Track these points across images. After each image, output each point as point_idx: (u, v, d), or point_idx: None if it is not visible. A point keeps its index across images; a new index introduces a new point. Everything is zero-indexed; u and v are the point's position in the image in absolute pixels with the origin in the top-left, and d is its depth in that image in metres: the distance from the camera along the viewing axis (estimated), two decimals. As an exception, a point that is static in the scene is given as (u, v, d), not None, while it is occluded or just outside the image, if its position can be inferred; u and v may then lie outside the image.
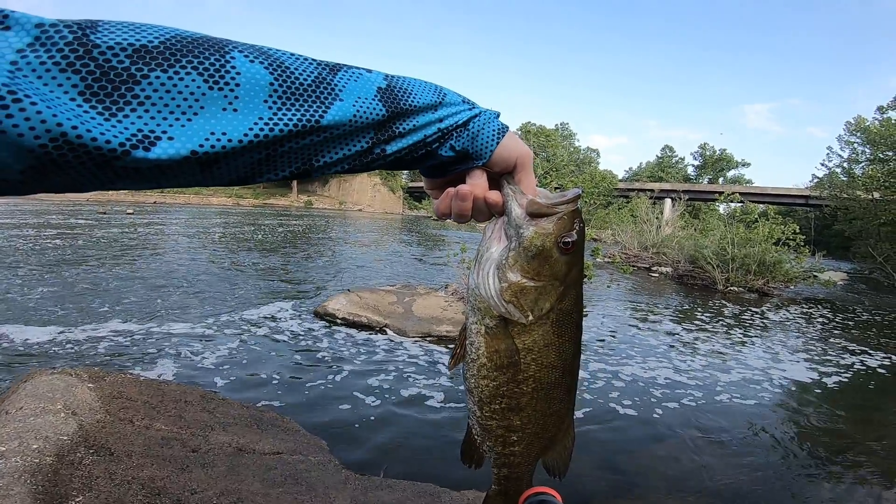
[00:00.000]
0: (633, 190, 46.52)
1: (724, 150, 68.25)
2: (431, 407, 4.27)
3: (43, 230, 14.74)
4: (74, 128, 0.35)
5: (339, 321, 6.61)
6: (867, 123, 24.53)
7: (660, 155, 71.96)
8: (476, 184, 0.58)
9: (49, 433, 1.89)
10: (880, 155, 22.12)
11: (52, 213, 21.63)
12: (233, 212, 33.89)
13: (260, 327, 6.20)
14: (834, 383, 5.95)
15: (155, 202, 38.76)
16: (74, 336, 5.35)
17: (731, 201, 20.80)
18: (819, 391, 5.64)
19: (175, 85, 0.39)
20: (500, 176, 0.60)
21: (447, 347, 5.95)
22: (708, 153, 68.39)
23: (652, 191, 38.84)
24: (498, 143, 0.57)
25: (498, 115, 0.59)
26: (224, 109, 0.41)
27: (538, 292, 0.61)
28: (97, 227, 16.95)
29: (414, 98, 0.52)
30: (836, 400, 5.37)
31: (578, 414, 4.38)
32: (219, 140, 0.41)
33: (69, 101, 0.36)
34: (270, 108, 0.44)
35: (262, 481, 2.53)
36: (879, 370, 6.68)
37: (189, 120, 0.40)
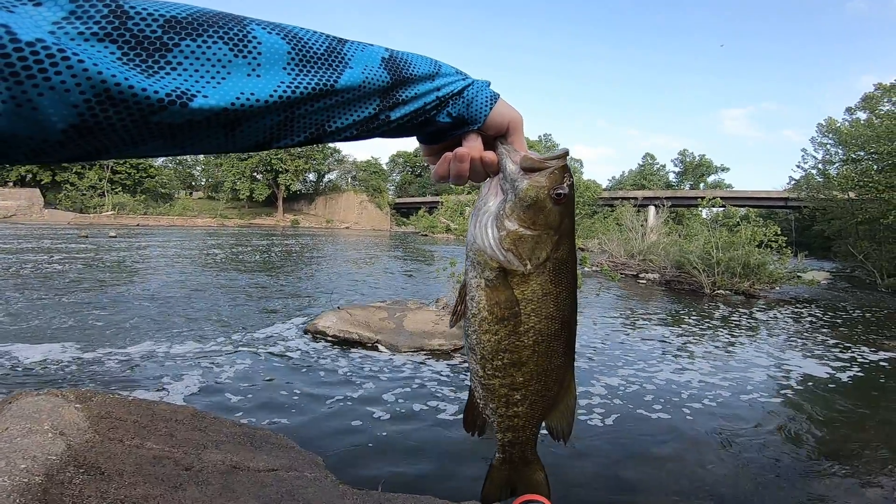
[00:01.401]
0: (616, 198, 47.01)
1: (704, 155, 69.60)
2: (427, 420, 4.23)
3: (23, 255, 14.46)
4: (118, 84, 0.37)
5: (330, 338, 6.54)
6: (838, 125, 25.16)
7: (641, 163, 73.07)
8: (472, 146, 0.62)
9: (37, 453, 1.83)
10: (852, 155, 22.66)
11: (33, 237, 21.23)
12: (218, 232, 33.56)
13: (249, 346, 6.12)
14: (826, 381, 6.02)
15: (138, 224, 38.26)
16: (59, 357, 5.24)
17: (713, 206, 21.18)
18: (811, 389, 5.70)
19: (203, 52, 0.43)
20: (494, 139, 0.64)
21: (440, 361, 5.91)
22: (688, 159, 69.62)
23: (636, 199, 39.26)
24: (491, 108, 0.62)
25: (489, 84, 0.63)
26: (248, 75, 0.45)
27: (535, 241, 0.64)
28: (79, 250, 16.66)
29: (414, 68, 0.56)
30: (829, 398, 5.43)
31: (575, 423, 4.37)
32: (248, 99, 0.44)
33: (112, 63, 0.38)
34: (289, 73, 0.47)
35: (258, 498, 2.48)
36: (870, 367, 6.77)
37: (218, 83, 0.43)
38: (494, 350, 0.69)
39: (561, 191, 0.63)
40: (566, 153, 0.65)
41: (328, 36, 0.52)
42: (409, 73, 0.55)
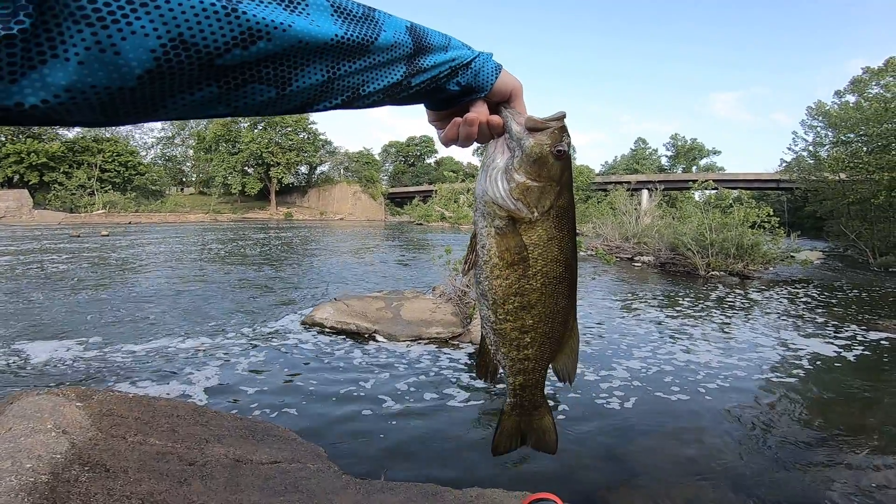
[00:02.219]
0: (610, 183, 47.11)
1: (695, 139, 69.61)
2: (427, 408, 4.26)
3: (15, 256, 14.32)
4: (190, 28, 0.40)
5: (327, 330, 6.55)
6: (827, 108, 25.32)
7: (634, 147, 72.99)
8: (480, 111, 0.70)
9: (41, 452, 1.83)
10: (842, 137, 22.85)
11: (24, 238, 21.04)
12: (212, 227, 33.35)
13: (247, 340, 6.12)
14: (823, 360, 6.10)
15: (130, 222, 37.91)
16: (57, 356, 5.22)
17: (706, 188, 21.23)
18: (809, 368, 5.77)
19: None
20: (497, 104, 0.72)
21: (439, 349, 5.94)
22: (680, 143, 69.62)
23: (629, 183, 39.35)
24: (497, 77, 0.69)
25: (493, 56, 0.70)
26: (304, 18, 0.48)
27: (540, 191, 0.72)
28: (72, 250, 16.53)
29: (431, 39, 0.62)
30: (827, 376, 5.51)
31: (570, 403, 4.42)
32: (313, 35, 0.48)
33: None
34: (335, 24, 0.51)
35: (262, 491, 2.50)
36: (867, 347, 6.86)
37: (284, 31, 0.46)
38: (505, 294, 0.75)
39: (561, 147, 0.71)
40: (564, 115, 0.72)
41: (360, 3, 0.56)
42: (428, 43, 0.61)
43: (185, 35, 0.39)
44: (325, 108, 0.56)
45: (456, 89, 0.66)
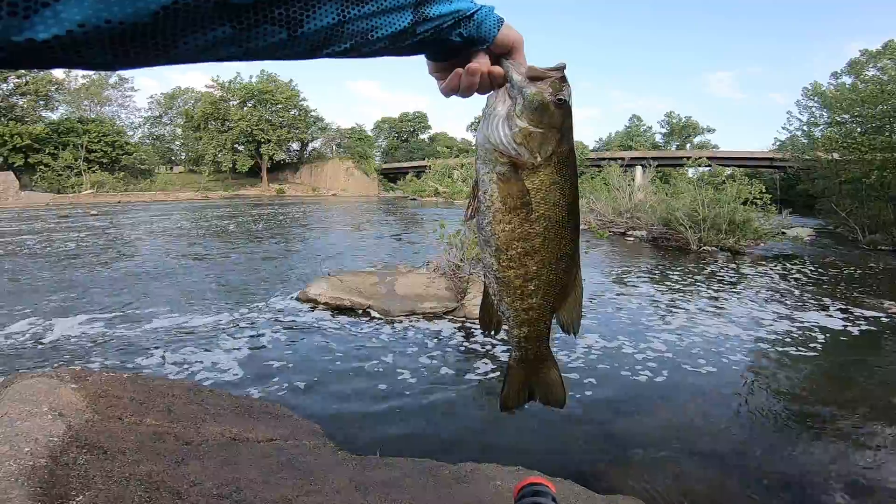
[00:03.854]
0: (604, 159, 46.73)
1: (690, 117, 69.12)
2: (423, 384, 4.31)
3: (3, 237, 14.16)
4: None
5: (321, 306, 6.57)
6: (823, 89, 25.29)
7: (628, 124, 72.37)
8: (482, 62, 0.71)
9: (38, 436, 1.85)
10: (837, 118, 22.84)
11: (11, 219, 20.75)
12: (203, 205, 33.01)
13: (242, 317, 6.13)
14: (811, 336, 6.18)
15: (119, 201, 37.42)
16: (50, 338, 5.22)
17: (700, 165, 21.23)
18: (797, 345, 5.85)
19: None
20: (498, 56, 0.73)
21: (433, 324, 5.99)
22: (674, 121, 69.13)
23: (622, 159, 39.13)
24: (498, 30, 0.70)
25: (494, 9, 0.71)
26: None
27: (542, 137, 0.73)
28: (60, 229, 16.35)
29: None
30: (815, 354, 5.57)
31: (565, 382, 4.48)
32: None
33: None
34: None
35: (260, 468, 2.54)
36: (855, 324, 6.95)
37: None
38: (508, 240, 0.76)
39: (562, 96, 0.72)
40: (564, 66, 0.74)
41: None
42: None
43: None
44: (334, 55, 0.57)
45: (458, 40, 0.68)
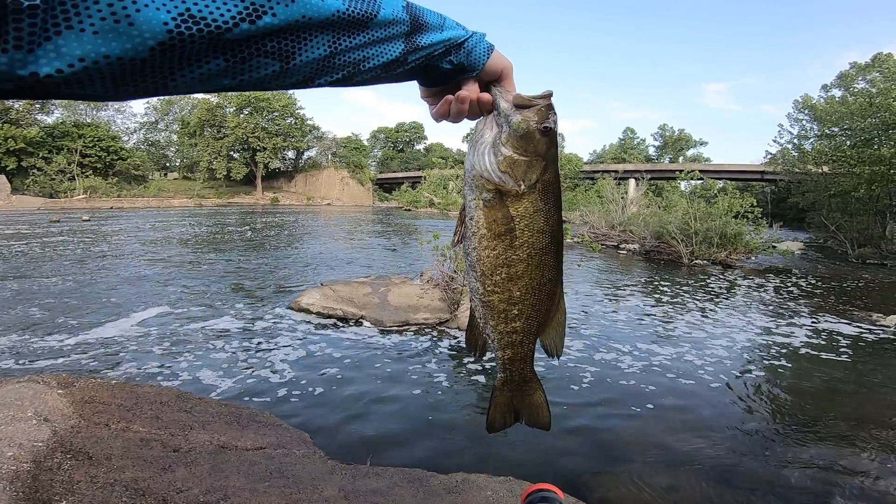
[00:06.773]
0: (597, 171, 47.25)
1: (683, 130, 70.05)
2: (413, 394, 4.29)
3: (-7, 241, 14.01)
4: (196, 3, 0.41)
5: (314, 315, 6.54)
6: (813, 101, 25.66)
7: (622, 137, 73.19)
8: (471, 89, 0.72)
9: (23, 440, 1.82)
10: (827, 131, 23.16)
11: (3, 223, 20.55)
12: (196, 213, 32.87)
13: (233, 325, 6.09)
14: (801, 349, 6.23)
15: (112, 207, 37.25)
16: (37, 344, 5.15)
17: (692, 179, 21.44)
18: (787, 357, 5.90)
19: None
20: (488, 83, 0.74)
21: (425, 335, 5.97)
22: (667, 133, 69.99)
23: (616, 172, 39.51)
24: (488, 57, 0.71)
25: (485, 36, 0.72)
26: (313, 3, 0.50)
27: (527, 165, 0.74)
28: (50, 234, 16.22)
29: (426, 17, 0.63)
30: (804, 365, 5.63)
31: (552, 389, 4.48)
32: (316, 8, 0.49)
33: None
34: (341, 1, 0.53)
35: (247, 476, 2.51)
36: (843, 337, 7.01)
37: (288, 6, 0.47)
38: (493, 265, 0.77)
39: (547, 124, 0.73)
40: (551, 94, 0.75)
41: None
42: (424, 21, 0.62)
43: (196, 9, 0.41)
44: (327, 84, 0.57)
45: (448, 67, 0.68)
